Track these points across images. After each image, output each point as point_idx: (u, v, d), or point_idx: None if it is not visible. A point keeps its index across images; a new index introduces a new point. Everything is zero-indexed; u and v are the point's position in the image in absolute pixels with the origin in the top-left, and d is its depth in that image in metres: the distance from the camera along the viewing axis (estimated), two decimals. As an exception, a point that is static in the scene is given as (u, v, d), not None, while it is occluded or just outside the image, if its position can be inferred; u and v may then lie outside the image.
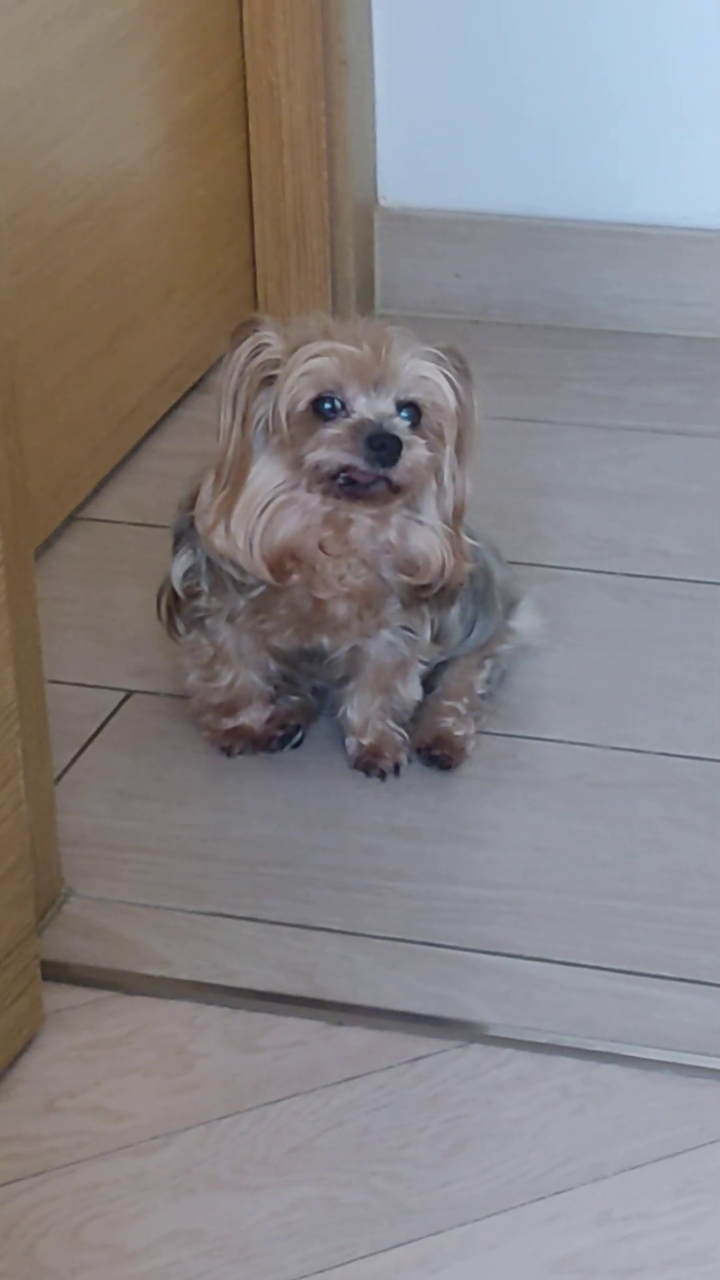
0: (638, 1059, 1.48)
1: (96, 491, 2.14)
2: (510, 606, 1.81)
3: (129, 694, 1.85)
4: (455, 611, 1.73)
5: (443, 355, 1.60)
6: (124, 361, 2.16)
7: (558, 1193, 1.38)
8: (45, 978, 1.52)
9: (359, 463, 1.56)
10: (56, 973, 1.55)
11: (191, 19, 2.20)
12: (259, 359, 1.58)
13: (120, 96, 2.09)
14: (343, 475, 1.57)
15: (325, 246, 2.35)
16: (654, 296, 2.40)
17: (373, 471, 1.56)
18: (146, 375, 2.21)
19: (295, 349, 1.57)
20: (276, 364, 1.58)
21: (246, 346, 1.59)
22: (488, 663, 1.79)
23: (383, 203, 2.44)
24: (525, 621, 1.83)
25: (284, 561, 1.61)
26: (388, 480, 1.57)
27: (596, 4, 2.32)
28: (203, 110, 2.25)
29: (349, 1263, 1.34)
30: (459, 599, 1.72)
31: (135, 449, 2.20)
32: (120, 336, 2.14)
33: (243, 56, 2.29)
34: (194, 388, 2.30)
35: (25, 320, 1.92)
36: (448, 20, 2.35)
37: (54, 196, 2.00)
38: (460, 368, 1.61)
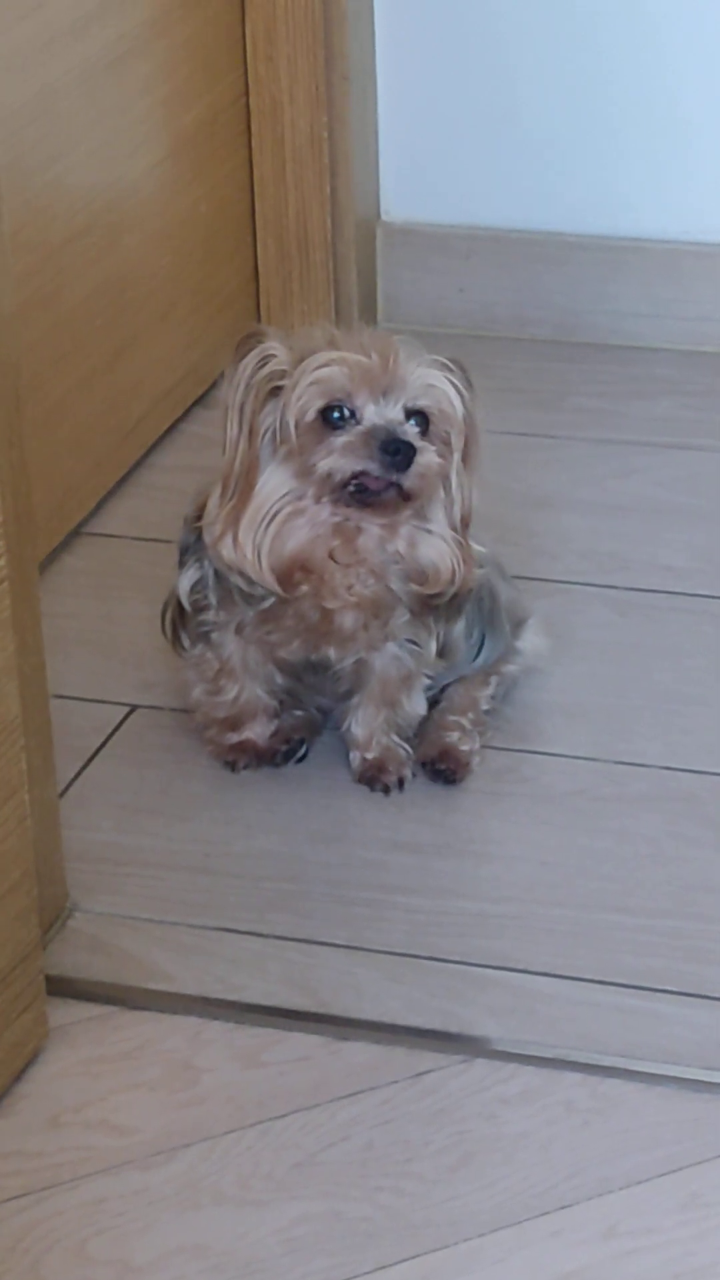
0: (642, 1074, 1.47)
1: (100, 506, 2.14)
2: (517, 625, 1.81)
3: (133, 708, 1.85)
4: (461, 626, 1.73)
5: (448, 362, 1.61)
6: (126, 377, 2.16)
7: (563, 1207, 1.38)
8: (50, 993, 1.52)
9: (372, 468, 1.56)
10: (61, 988, 1.55)
11: (194, 35, 2.20)
12: (265, 370, 1.59)
13: (122, 113, 2.10)
14: (354, 483, 1.57)
15: (328, 261, 2.36)
16: (655, 311, 2.40)
17: (386, 477, 1.57)
18: (149, 390, 2.21)
19: (302, 359, 1.58)
20: (283, 375, 1.58)
21: (252, 358, 1.59)
22: (493, 680, 1.79)
23: (385, 218, 2.44)
24: (531, 642, 1.83)
25: (293, 572, 1.61)
26: (399, 487, 1.57)
27: (598, 20, 2.32)
28: (205, 126, 2.26)
29: (354, 1278, 1.34)
30: (466, 614, 1.73)
31: (138, 464, 2.21)
32: (123, 352, 2.15)
33: (245, 72, 2.30)
34: (197, 403, 2.30)
35: (28, 336, 1.93)
36: (450, 36, 2.36)
37: (56, 212, 2.00)
38: (463, 378, 1.62)
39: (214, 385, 2.30)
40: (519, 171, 2.39)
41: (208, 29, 2.23)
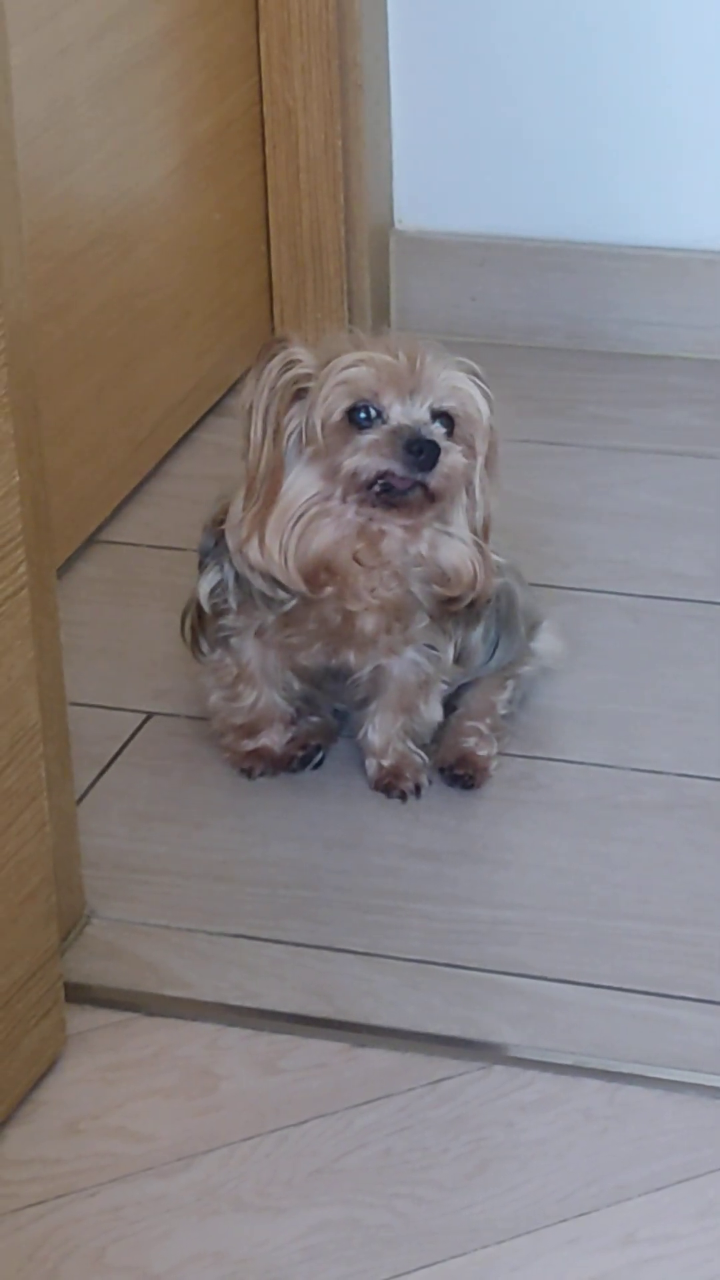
0: (660, 1080, 1.48)
1: (115, 515, 2.14)
2: (532, 628, 1.81)
3: (149, 716, 1.85)
4: (479, 631, 1.74)
5: (475, 367, 1.61)
6: (141, 385, 2.16)
7: (581, 1214, 1.38)
8: (68, 999, 1.52)
9: (397, 468, 1.57)
10: (79, 994, 1.55)
11: (208, 44, 2.21)
12: (290, 373, 1.59)
13: (136, 121, 2.10)
14: (380, 482, 1.58)
15: (341, 270, 2.36)
16: (666, 319, 2.41)
17: (411, 477, 1.57)
18: (163, 399, 2.21)
19: (328, 362, 1.58)
20: (307, 378, 1.59)
21: (277, 362, 1.59)
22: (509, 683, 1.79)
23: (398, 226, 2.45)
24: (546, 643, 1.83)
25: (318, 572, 1.61)
26: (424, 487, 1.58)
27: (605, 32, 2.33)
28: (219, 135, 2.26)
29: (372, 1285, 1.34)
30: (484, 617, 1.73)
31: (153, 472, 2.21)
32: (137, 360, 2.15)
33: (259, 81, 2.30)
34: (211, 411, 2.31)
35: (42, 344, 1.93)
36: (462, 46, 2.36)
37: (70, 221, 2.00)
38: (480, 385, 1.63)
39: (228, 393, 2.31)
40: (531, 180, 2.40)
41: (221, 38, 2.24)
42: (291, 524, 1.60)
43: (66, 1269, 1.36)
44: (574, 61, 2.34)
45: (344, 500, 1.59)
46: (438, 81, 2.38)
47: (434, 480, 1.57)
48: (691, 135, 2.35)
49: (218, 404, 2.31)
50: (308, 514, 1.60)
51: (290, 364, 1.59)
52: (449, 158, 2.41)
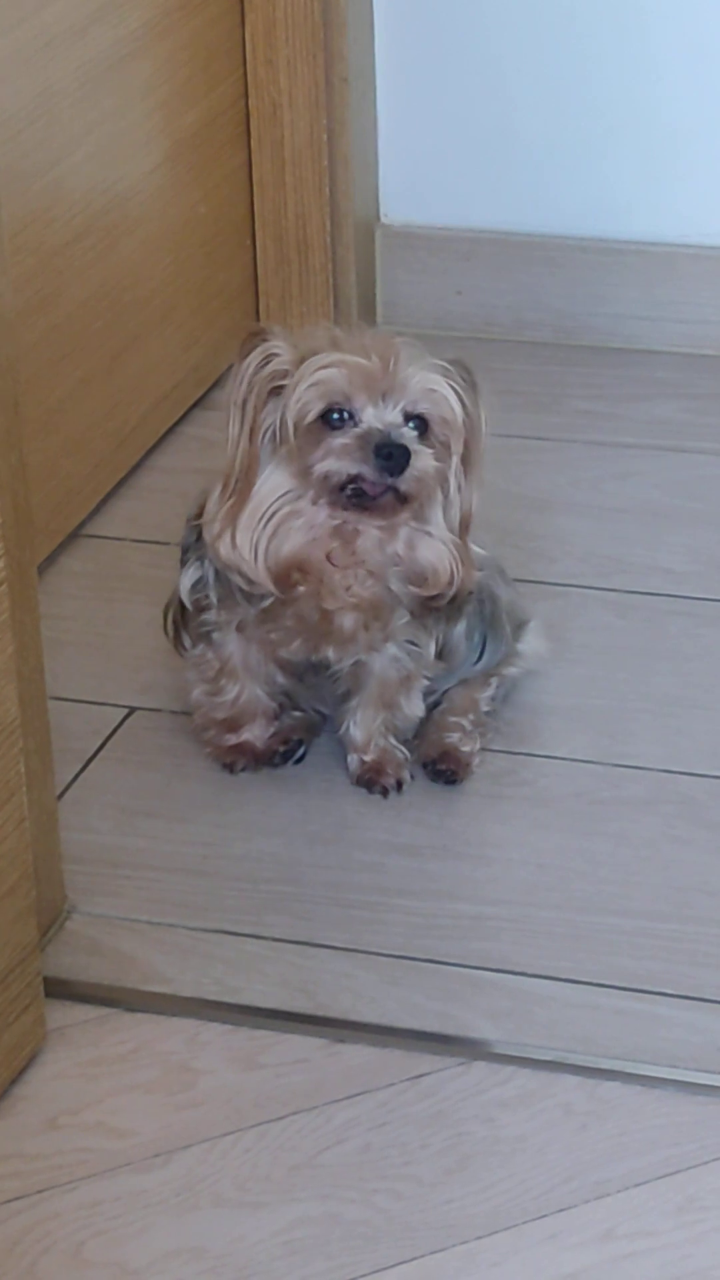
0: (640, 1076, 1.48)
1: (99, 508, 2.14)
2: (518, 628, 1.81)
3: (131, 710, 1.85)
4: (461, 629, 1.74)
5: (450, 367, 1.61)
6: (125, 379, 2.16)
7: (560, 1210, 1.38)
8: (47, 994, 1.52)
9: (367, 472, 1.57)
10: (59, 989, 1.55)
11: (193, 37, 2.21)
12: (268, 369, 1.59)
13: (121, 115, 2.10)
14: (351, 485, 1.58)
15: (327, 264, 2.36)
16: (654, 313, 2.41)
17: (381, 481, 1.57)
18: (148, 392, 2.21)
19: (304, 359, 1.58)
20: (285, 374, 1.59)
21: (255, 356, 1.59)
22: (493, 681, 1.79)
23: (384, 220, 2.45)
24: (532, 644, 1.83)
25: (289, 573, 1.61)
26: (395, 490, 1.57)
27: (593, 26, 2.32)
28: (204, 128, 2.26)
29: (351, 1280, 1.34)
30: (466, 617, 1.73)
31: (137, 466, 2.21)
32: (122, 354, 2.15)
33: (245, 75, 2.30)
34: (195, 405, 2.30)
35: (27, 338, 1.93)
36: (449, 39, 2.36)
37: (55, 215, 2.00)
38: (467, 379, 1.62)
39: (213, 387, 2.31)
40: (518, 174, 2.40)
41: (207, 31, 2.23)
42: (263, 523, 1.60)
43: (45, 1264, 1.36)
44: (561, 55, 2.34)
45: (315, 502, 1.59)
46: (424, 75, 2.37)
47: (404, 484, 1.57)
48: (679, 129, 2.35)
49: (203, 398, 2.31)
50: (279, 514, 1.60)
51: (268, 359, 1.59)
52: (435, 151, 2.41)
